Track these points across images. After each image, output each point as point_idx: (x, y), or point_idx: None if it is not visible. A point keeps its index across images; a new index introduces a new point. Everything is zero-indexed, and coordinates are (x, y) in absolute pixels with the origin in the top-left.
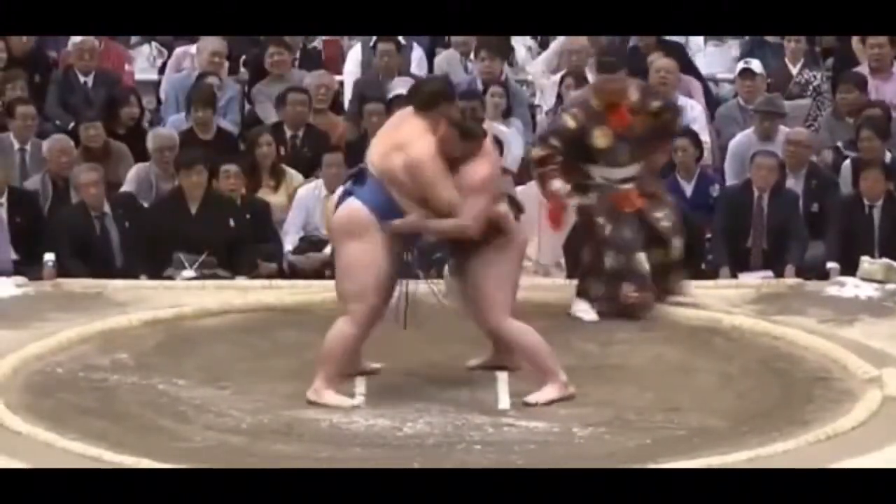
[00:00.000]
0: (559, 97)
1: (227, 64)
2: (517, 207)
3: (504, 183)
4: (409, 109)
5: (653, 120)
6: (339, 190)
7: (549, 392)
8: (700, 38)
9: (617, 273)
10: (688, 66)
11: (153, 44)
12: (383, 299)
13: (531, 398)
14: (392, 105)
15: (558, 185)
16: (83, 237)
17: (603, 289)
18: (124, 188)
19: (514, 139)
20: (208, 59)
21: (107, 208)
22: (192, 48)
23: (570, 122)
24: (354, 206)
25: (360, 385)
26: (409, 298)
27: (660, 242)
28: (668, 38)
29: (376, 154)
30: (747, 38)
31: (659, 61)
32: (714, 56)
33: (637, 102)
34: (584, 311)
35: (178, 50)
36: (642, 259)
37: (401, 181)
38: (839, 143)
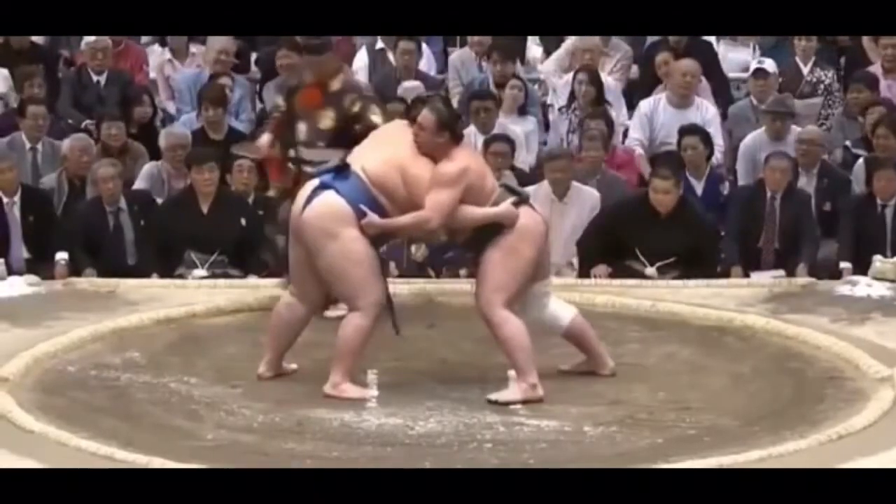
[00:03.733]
0: (572, 95)
1: (234, 62)
2: (519, 196)
3: (505, 177)
4: (404, 123)
5: (344, 122)
6: (311, 184)
7: (513, 392)
8: (712, 38)
9: None
10: (711, 67)
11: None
12: (384, 286)
13: (493, 395)
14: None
15: (266, 139)
16: (96, 232)
17: None
18: (136, 186)
19: (530, 137)
20: (216, 57)
21: (122, 204)
22: (194, 48)
23: (293, 81)
24: (334, 199)
25: (372, 384)
26: (393, 301)
27: None
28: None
29: (373, 162)
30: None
31: (683, 64)
32: (726, 55)
33: (334, 93)
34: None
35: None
36: None
37: (396, 191)
38: (847, 143)
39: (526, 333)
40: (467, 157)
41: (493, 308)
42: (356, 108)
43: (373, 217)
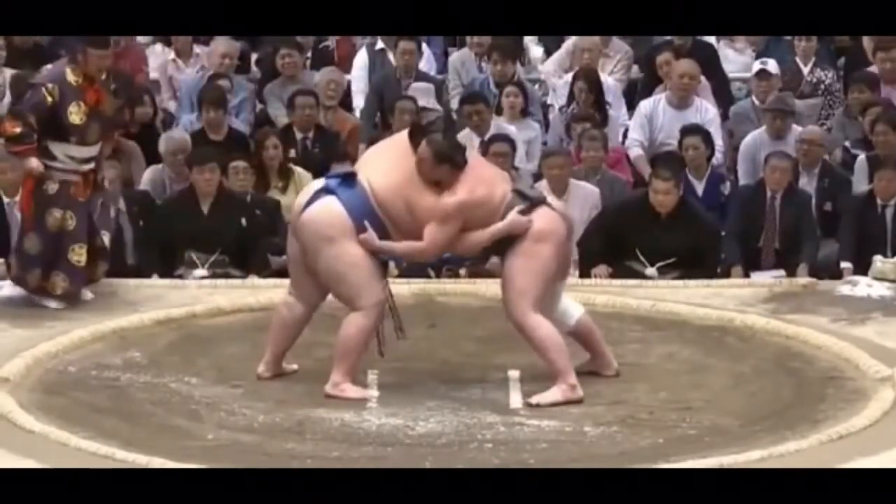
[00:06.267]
0: (571, 95)
1: (236, 64)
2: (530, 201)
3: (517, 177)
4: (404, 136)
5: (116, 101)
6: (316, 183)
7: (554, 394)
8: (712, 38)
9: (50, 261)
10: (711, 67)
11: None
12: (384, 287)
13: (534, 398)
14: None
15: (35, 163)
16: None
17: (37, 273)
18: (139, 189)
19: (532, 143)
20: (219, 61)
21: (122, 204)
22: (198, 48)
23: (48, 98)
24: (335, 207)
25: (373, 384)
26: (394, 303)
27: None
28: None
29: (379, 182)
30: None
31: (681, 65)
32: (726, 55)
33: (105, 81)
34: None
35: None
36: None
37: (398, 217)
38: (847, 143)
39: (559, 335)
40: (469, 187)
41: (524, 314)
42: (112, 85)
43: (371, 236)
